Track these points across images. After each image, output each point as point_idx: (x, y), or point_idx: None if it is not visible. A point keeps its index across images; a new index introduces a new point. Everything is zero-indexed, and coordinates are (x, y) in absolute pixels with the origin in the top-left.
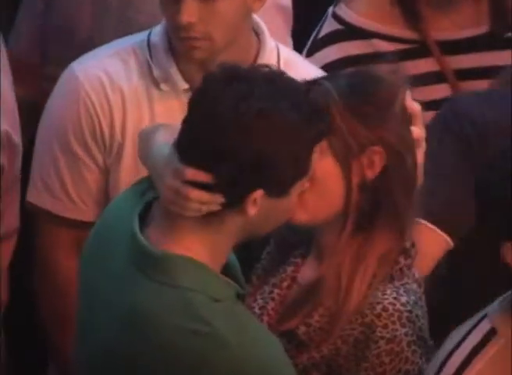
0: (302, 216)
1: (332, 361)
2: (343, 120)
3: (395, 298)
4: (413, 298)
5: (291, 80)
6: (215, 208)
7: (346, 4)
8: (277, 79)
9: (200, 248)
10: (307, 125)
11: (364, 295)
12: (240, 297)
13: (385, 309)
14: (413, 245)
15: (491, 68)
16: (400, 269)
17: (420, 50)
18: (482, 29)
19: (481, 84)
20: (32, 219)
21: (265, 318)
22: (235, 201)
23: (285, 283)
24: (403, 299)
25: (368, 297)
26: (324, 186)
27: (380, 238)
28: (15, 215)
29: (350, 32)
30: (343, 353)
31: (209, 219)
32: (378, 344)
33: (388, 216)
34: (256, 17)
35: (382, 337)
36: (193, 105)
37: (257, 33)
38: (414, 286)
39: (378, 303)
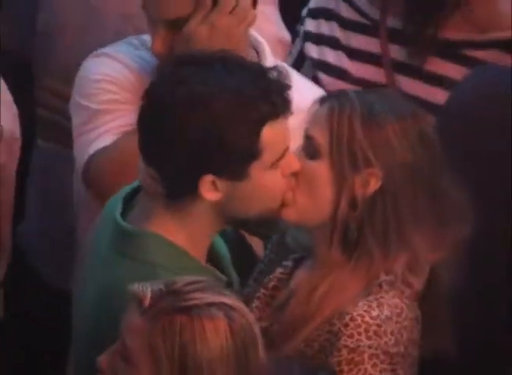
0: (290, 214)
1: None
2: (353, 135)
3: (365, 311)
4: (387, 313)
5: (244, 63)
6: (165, 194)
7: None
8: (228, 60)
9: (177, 230)
10: (249, 106)
11: (335, 310)
12: (219, 284)
13: (353, 319)
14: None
15: (429, 72)
16: (379, 285)
17: (371, 28)
18: (447, 33)
19: (410, 83)
20: None
21: None
22: (186, 188)
23: (271, 284)
24: (374, 313)
25: (340, 310)
26: (314, 188)
27: (364, 260)
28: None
29: None
30: (308, 355)
31: (178, 203)
32: (341, 353)
33: (373, 238)
34: (257, 35)
35: (346, 346)
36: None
37: (257, 51)
38: (395, 300)
39: (348, 313)
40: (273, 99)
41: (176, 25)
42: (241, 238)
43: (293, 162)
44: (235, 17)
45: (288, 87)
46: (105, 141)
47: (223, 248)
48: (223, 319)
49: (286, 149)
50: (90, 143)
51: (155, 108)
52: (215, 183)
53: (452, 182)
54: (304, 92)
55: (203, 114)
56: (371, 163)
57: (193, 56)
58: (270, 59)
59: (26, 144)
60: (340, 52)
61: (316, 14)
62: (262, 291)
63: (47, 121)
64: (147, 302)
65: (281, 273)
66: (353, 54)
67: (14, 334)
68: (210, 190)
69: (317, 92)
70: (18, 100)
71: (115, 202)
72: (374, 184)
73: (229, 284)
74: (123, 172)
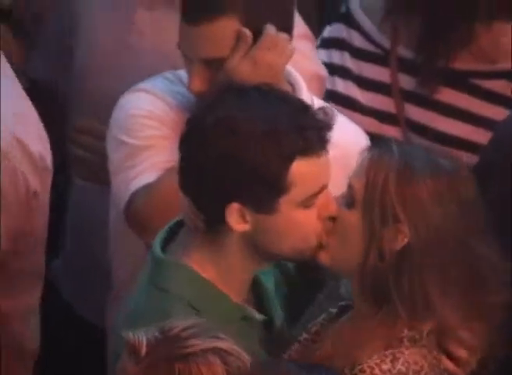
0: (324, 257)
1: None
2: (386, 188)
3: (376, 363)
4: (400, 368)
5: (286, 96)
6: (200, 224)
7: None
8: (269, 92)
9: (209, 263)
10: (280, 138)
11: (350, 360)
12: (253, 321)
13: (362, 370)
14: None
15: (438, 101)
16: (400, 339)
17: (381, 57)
18: (456, 63)
19: (419, 113)
20: None
21: (285, 357)
22: (215, 216)
23: (313, 329)
24: (385, 367)
25: (354, 360)
26: (346, 236)
27: (390, 315)
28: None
29: (346, 16)
30: None
31: (211, 234)
32: None
33: (399, 295)
34: (292, 69)
35: None
36: None
37: (292, 85)
38: (415, 357)
39: (360, 364)
40: (308, 135)
41: (213, 63)
42: (309, 279)
43: (330, 205)
44: (276, 52)
45: (328, 126)
46: (147, 178)
47: (270, 285)
48: (220, 365)
49: (322, 188)
50: (131, 180)
51: (190, 134)
52: (244, 213)
53: (490, 244)
54: (347, 133)
55: (231, 139)
56: (399, 219)
57: (234, 86)
58: (305, 94)
59: (62, 180)
60: (350, 81)
61: (328, 44)
62: (304, 335)
63: (81, 159)
64: (143, 351)
65: (324, 320)
66: (363, 83)
67: (48, 368)
68: (238, 220)
69: (362, 136)
70: (50, 137)
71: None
72: (401, 241)
73: (267, 322)
74: (167, 209)
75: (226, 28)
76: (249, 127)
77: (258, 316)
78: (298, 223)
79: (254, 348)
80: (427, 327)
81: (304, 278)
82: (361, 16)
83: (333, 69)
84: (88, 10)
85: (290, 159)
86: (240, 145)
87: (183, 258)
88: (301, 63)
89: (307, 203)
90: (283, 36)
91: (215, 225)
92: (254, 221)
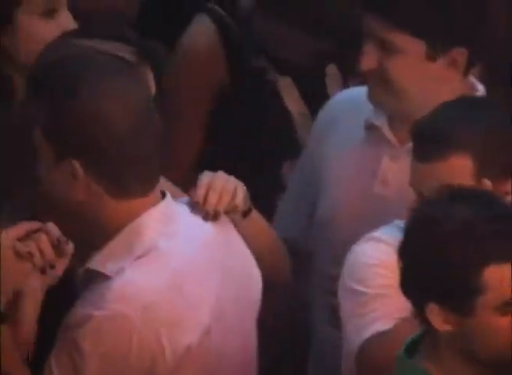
0: None
1: None
2: None
3: None
4: None
5: (496, 202)
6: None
7: None
8: (478, 196)
9: (433, 363)
10: (476, 241)
11: None
12: None
13: None
14: None
15: None
16: None
17: None
18: None
19: None
20: None
21: None
22: (421, 314)
23: None
24: None
25: None
26: None
27: None
28: None
29: None
30: None
31: (432, 333)
32: None
33: None
34: None
35: None
36: None
37: None
38: None
39: None
40: (506, 242)
41: None
42: None
43: None
44: None
45: None
46: (380, 326)
47: None
48: None
49: None
50: (363, 327)
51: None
52: (446, 314)
53: None
54: None
55: (430, 235)
56: None
57: (449, 186)
58: None
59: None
60: None
61: None
62: None
63: (335, 307)
64: None
65: None
66: None
67: None
68: (439, 320)
69: None
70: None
71: None
72: None
73: None
74: None
75: (459, 165)
76: (448, 226)
77: None
78: (495, 329)
79: None
80: None
81: None
82: None
83: None
84: (333, 164)
85: (484, 263)
86: (437, 243)
87: (420, 357)
88: None
89: (504, 309)
90: None
91: (427, 324)
92: (455, 322)
